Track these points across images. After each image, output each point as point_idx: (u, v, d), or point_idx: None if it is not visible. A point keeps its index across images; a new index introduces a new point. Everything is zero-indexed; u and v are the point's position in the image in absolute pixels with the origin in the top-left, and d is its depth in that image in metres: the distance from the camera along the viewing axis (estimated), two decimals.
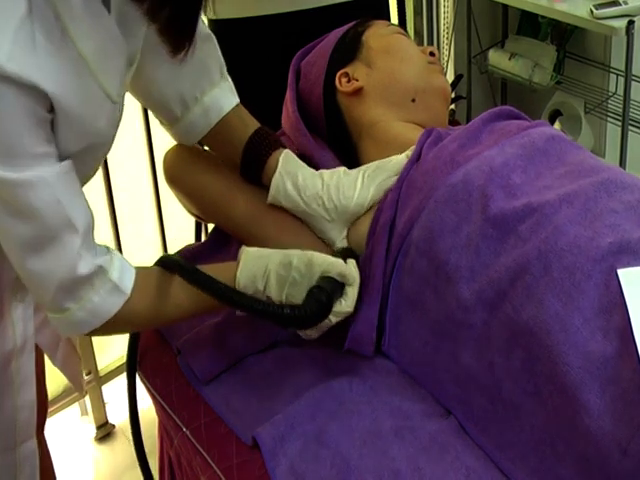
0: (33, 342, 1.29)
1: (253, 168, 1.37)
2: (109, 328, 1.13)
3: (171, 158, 1.45)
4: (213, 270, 1.17)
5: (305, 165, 1.39)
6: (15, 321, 1.25)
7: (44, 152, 1.02)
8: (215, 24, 1.92)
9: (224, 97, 1.36)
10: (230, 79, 1.39)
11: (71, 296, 1.08)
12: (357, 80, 1.51)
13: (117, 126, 1.18)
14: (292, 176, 1.34)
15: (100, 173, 2.10)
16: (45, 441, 1.58)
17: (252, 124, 1.39)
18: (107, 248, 1.15)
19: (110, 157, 2.08)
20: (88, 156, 1.11)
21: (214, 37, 1.35)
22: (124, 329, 1.26)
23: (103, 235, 2.15)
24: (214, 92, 1.34)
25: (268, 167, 1.35)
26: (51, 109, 1.01)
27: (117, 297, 1.11)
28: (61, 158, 1.05)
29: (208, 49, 1.34)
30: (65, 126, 1.03)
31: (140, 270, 1.16)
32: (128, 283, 1.12)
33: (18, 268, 1.09)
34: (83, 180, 1.17)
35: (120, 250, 2.17)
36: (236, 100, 1.38)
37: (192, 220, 1.73)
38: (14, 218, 1.03)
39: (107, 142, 1.16)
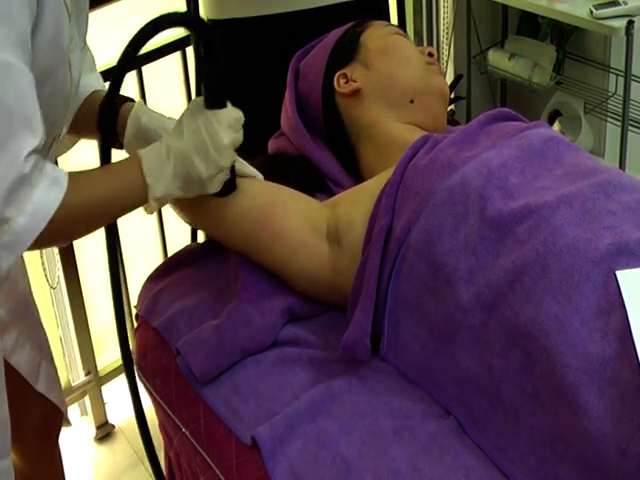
0: (1, 359, 1.27)
1: (108, 117, 1.33)
2: (48, 235, 1.06)
3: None
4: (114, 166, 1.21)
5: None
6: None
7: (26, 43, 1.02)
8: (215, 24, 1.92)
9: (92, 81, 1.37)
10: (99, 75, 1.41)
11: (13, 201, 1.02)
12: (355, 81, 1.51)
13: (71, 80, 1.18)
14: (147, 111, 1.33)
15: None
16: (59, 452, 1.59)
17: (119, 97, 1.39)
18: None
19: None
20: (43, 85, 1.09)
21: (89, 46, 1.39)
22: (64, 233, 1.18)
23: (103, 235, 2.15)
24: (85, 77, 1.34)
25: (122, 112, 1.33)
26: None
27: (56, 191, 1.06)
28: None
29: (86, 51, 1.37)
30: (47, 7, 1.04)
31: (74, 172, 1.13)
32: (62, 176, 1.08)
33: None
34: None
35: (120, 250, 2.17)
36: (103, 86, 1.39)
37: None
38: None
39: (60, 84, 1.16)
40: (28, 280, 1.49)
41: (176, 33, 2.12)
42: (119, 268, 1.40)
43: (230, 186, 1.30)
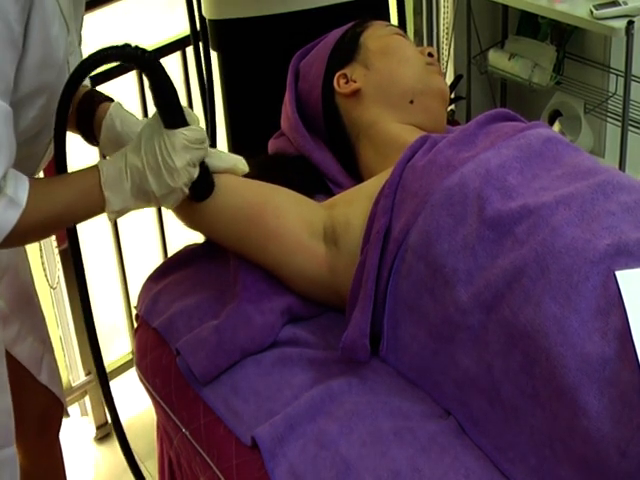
0: (3, 349, 1.29)
1: (86, 117, 1.35)
2: (6, 244, 1.13)
3: None
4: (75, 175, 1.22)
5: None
6: None
7: (4, 78, 1.04)
8: (215, 24, 1.93)
9: None
10: None
11: None
12: (355, 82, 1.51)
13: (65, 75, 1.20)
14: (122, 115, 1.34)
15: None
16: (60, 447, 1.59)
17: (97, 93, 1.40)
18: None
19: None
20: (38, 98, 1.12)
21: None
22: (22, 241, 1.26)
23: (102, 235, 2.15)
24: None
25: (98, 115, 1.35)
26: (28, 14, 1.04)
27: (13, 210, 1.10)
28: (12, 105, 1.07)
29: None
30: (35, 33, 1.06)
31: (35, 181, 1.16)
32: (22, 194, 1.11)
33: None
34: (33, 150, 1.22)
35: (120, 250, 2.17)
36: (86, 83, 1.40)
37: None
38: None
39: (57, 92, 1.18)
40: (30, 274, 1.51)
41: (176, 33, 2.13)
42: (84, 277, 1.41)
43: (204, 189, 1.31)
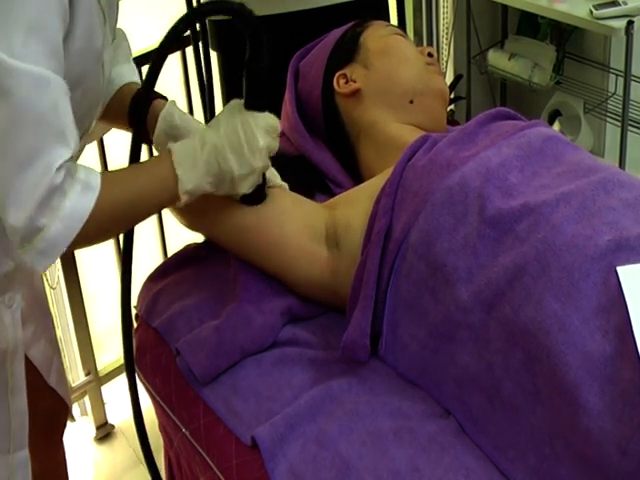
0: (23, 350, 1.30)
1: (140, 112, 1.32)
2: (84, 237, 1.08)
3: None
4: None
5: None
6: (6, 324, 1.25)
7: (60, 53, 1.03)
8: (215, 24, 1.93)
9: (128, 72, 1.37)
10: (135, 66, 1.41)
11: (47, 210, 1.04)
12: (355, 82, 1.51)
13: (103, 77, 1.20)
14: (180, 111, 1.33)
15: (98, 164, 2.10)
16: (63, 449, 1.59)
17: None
18: None
19: (110, 158, 2.08)
20: (74, 90, 1.10)
21: (125, 33, 1.40)
22: (99, 234, 1.18)
23: None
24: (118, 67, 1.36)
25: (154, 109, 1.32)
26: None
27: (88, 195, 1.07)
28: None
29: (121, 39, 1.38)
30: (80, 14, 1.06)
31: (105, 172, 1.15)
32: (96, 180, 1.09)
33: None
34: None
35: (120, 250, 2.17)
36: (137, 79, 1.39)
37: None
38: (9, 126, 1.01)
39: (93, 85, 1.17)
40: (42, 275, 1.51)
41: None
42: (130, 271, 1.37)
43: (260, 194, 1.30)
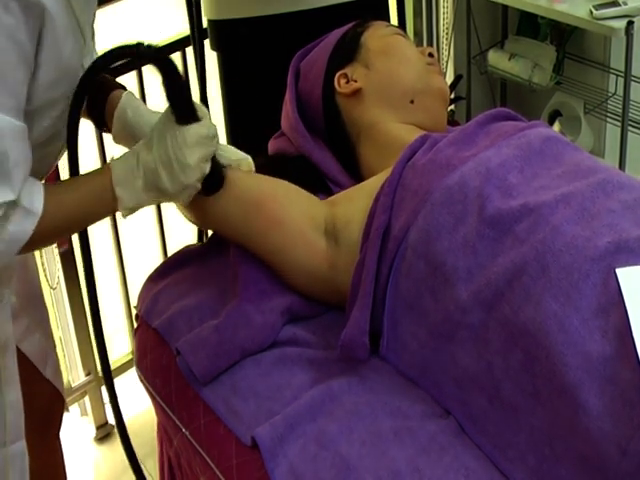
0: (14, 344, 1.31)
1: (98, 104, 1.35)
2: (27, 248, 1.15)
3: None
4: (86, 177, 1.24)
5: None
6: None
7: (16, 94, 1.05)
8: (215, 24, 1.93)
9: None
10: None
11: None
12: (356, 81, 1.51)
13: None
14: (133, 105, 1.34)
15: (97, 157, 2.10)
16: (60, 445, 1.59)
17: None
18: None
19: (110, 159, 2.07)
20: (52, 109, 1.13)
21: None
22: (38, 246, 1.30)
23: (102, 235, 2.15)
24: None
25: (110, 102, 1.34)
26: (40, 34, 1.05)
27: (30, 220, 1.12)
28: (26, 114, 1.08)
29: None
30: (47, 51, 1.07)
31: (48, 187, 1.17)
32: (38, 204, 1.13)
33: None
34: (46, 160, 1.23)
35: (120, 251, 2.17)
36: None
37: None
38: None
39: (66, 97, 1.18)
40: (37, 270, 1.51)
41: (176, 33, 2.13)
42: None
43: (215, 184, 1.31)
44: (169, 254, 2.11)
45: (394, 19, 2.12)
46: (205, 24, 1.96)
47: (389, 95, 1.49)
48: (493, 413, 1.14)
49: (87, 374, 2.20)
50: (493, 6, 2.68)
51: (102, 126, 1.38)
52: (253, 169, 1.38)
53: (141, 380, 1.44)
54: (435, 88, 1.51)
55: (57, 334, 2.14)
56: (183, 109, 1.22)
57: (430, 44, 2.63)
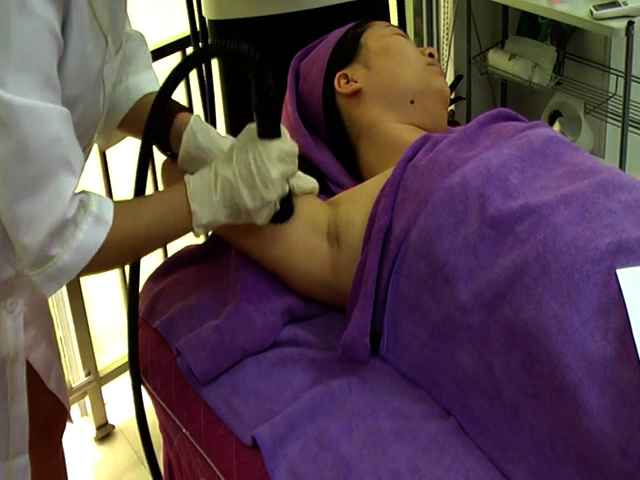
0: (24, 355, 1.29)
1: (162, 126, 1.31)
2: (95, 266, 1.11)
3: (166, 169, 1.44)
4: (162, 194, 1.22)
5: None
6: (7, 330, 1.25)
7: (55, 82, 1.03)
8: (215, 24, 1.93)
9: (147, 81, 1.36)
10: (155, 74, 1.40)
11: (58, 240, 1.06)
12: (356, 82, 1.51)
13: (103, 94, 1.19)
14: (204, 128, 1.32)
15: (100, 175, 2.10)
16: (62, 451, 1.59)
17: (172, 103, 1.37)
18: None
19: (110, 159, 2.08)
20: (72, 110, 1.10)
21: (144, 36, 1.38)
22: (110, 263, 1.22)
23: None
24: (138, 76, 1.35)
25: (177, 122, 1.32)
26: (64, 20, 1.03)
27: (100, 228, 1.09)
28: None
29: (138, 45, 1.37)
30: (74, 38, 1.05)
31: (118, 202, 1.15)
32: (108, 212, 1.10)
33: (7, 216, 1.06)
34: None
35: None
36: (157, 87, 1.36)
37: None
38: (11, 158, 1.01)
39: (92, 103, 1.17)
40: None
41: (177, 34, 2.13)
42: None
43: (286, 212, 1.30)
44: (169, 254, 2.11)
45: (394, 19, 2.12)
46: (205, 24, 1.96)
47: (389, 95, 1.49)
48: (493, 413, 1.14)
49: (87, 374, 2.20)
50: (493, 6, 2.69)
51: (165, 149, 1.35)
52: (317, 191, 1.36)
53: (141, 380, 1.44)
54: (435, 88, 1.51)
55: (57, 334, 2.14)
56: (269, 122, 1.19)
57: (430, 44, 2.63)
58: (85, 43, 1.08)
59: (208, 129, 1.32)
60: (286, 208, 1.29)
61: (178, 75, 1.20)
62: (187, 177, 1.20)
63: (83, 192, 1.10)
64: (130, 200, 1.21)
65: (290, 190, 1.27)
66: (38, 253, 1.06)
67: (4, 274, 1.21)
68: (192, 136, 1.30)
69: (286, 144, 1.21)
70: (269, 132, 1.19)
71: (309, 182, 1.37)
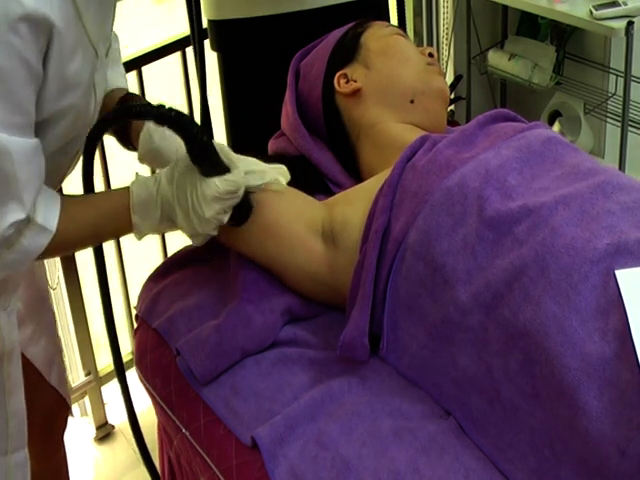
0: (19, 351, 1.30)
1: (120, 125, 1.35)
2: (38, 259, 1.17)
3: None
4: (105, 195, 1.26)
5: None
6: (1, 326, 1.25)
7: (27, 109, 1.05)
8: (215, 24, 1.93)
9: (115, 77, 1.37)
10: (123, 69, 1.40)
11: (4, 244, 1.09)
12: (356, 81, 1.51)
13: (95, 100, 1.20)
14: (160, 132, 1.32)
15: (100, 176, 2.10)
16: (64, 447, 1.59)
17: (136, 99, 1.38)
18: None
19: (110, 159, 2.08)
20: (62, 119, 1.12)
21: (116, 34, 1.38)
22: (52, 256, 1.36)
23: None
24: (110, 71, 1.34)
25: (136, 122, 1.33)
26: (46, 49, 1.04)
27: (44, 236, 1.13)
28: (37, 125, 1.08)
29: (113, 41, 1.36)
30: (53, 66, 1.05)
31: (66, 200, 1.17)
32: (53, 221, 1.14)
33: None
34: (61, 166, 1.22)
35: (120, 251, 2.17)
36: (125, 85, 1.39)
37: None
38: None
39: (83, 110, 1.17)
40: (46, 276, 1.51)
41: (176, 33, 2.13)
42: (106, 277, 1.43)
43: (242, 217, 1.30)
44: (169, 254, 2.11)
45: (394, 19, 2.12)
46: (205, 24, 1.96)
47: (389, 95, 1.49)
48: (493, 414, 1.14)
49: (87, 374, 2.20)
50: (493, 6, 2.68)
51: (127, 145, 1.37)
52: (287, 180, 1.33)
53: (141, 380, 1.44)
54: (435, 88, 1.51)
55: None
56: (205, 164, 1.20)
57: (430, 44, 2.63)
58: (67, 63, 1.09)
59: (164, 130, 1.33)
60: (241, 214, 1.29)
61: (91, 138, 1.24)
62: (132, 185, 1.22)
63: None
64: (73, 201, 1.22)
65: (246, 197, 1.26)
66: None
67: None
68: (148, 137, 1.33)
69: (223, 183, 1.20)
70: (208, 171, 1.20)
71: (267, 177, 1.30)
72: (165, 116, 1.17)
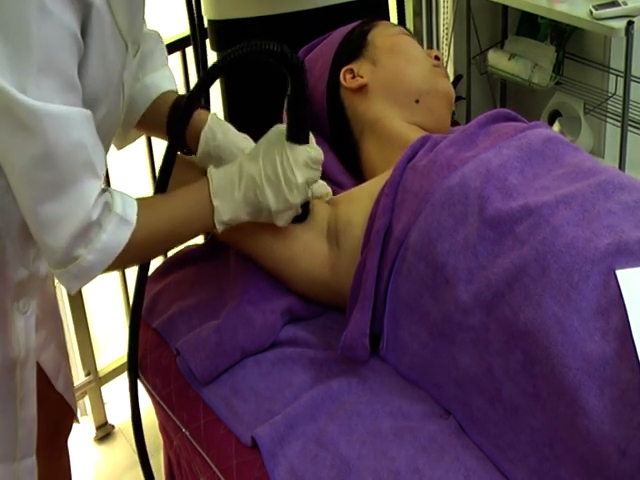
0: (34, 357, 1.29)
1: (179, 121, 1.29)
2: (118, 263, 1.12)
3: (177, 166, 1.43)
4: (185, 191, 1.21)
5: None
6: (18, 331, 1.24)
7: (76, 84, 1.03)
8: (215, 24, 1.93)
9: (164, 79, 1.37)
10: (171, 72, 1.40)
11: (82, 241, 1.07)
12: (362, 77, 1.51)
13: (123, 98, 1.18)
14: (223, 127, 1.32)
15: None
16: (67, 451, 1.59)
17: None
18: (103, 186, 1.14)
19: (110, 159, 2.07)
20: (96, 114, 1.10)
21: (160, 35, 1.38)
22: (133, 261, 1.25)
23: None
24: (155, 74, 1.35)
25: (194, 120, 1.30)
26: (85, 24, 1.03)
27: (124, 229, 1.10)
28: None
29: (155, 43, 1.37)
30: (95, 41, 1.05)
31: (141, 199, 1.16)
32: (132, 213, 1.11)
33: (31, 218, 1.07)
34: None
35: None
36: (175, 87, 1.38)
37: None
38: (35, 163, 1.02)
39: (113, 106, 1.16)
40: (53, 281, 1.50)
41: (176, 33, 2.13)
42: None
43: (303, 215, 1.31)
44: (169, 254, 2.11)
45: (394, 19, 2.12)
46: (205, 24, 1.96)
47: (395, 92, 1.49)
48: (493, 414, 1.14)
49: (87, 374, 2.20)
50: (493, 6, 2.69)
51: (182, 147, 1.35)
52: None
53: (141, 381, 1.44)
54: (441, 90, 1.51)
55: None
56: (300, 127, 1.20)
57: (430, 44, 2.63)
58: (106, 47, 1.09)
59: (227, 128, 1.33)
60: (304, 212, 1.30)
61: (209, 77, 1.20)
62: (210, 172, 1.21)
63: (107, 190, 1.11)
64: (153, 197, 1.22)
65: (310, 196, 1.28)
66: (62, 253, 1.07)
67: (18, 276, 1.21)
68: (211, 135, 1.31)
69: (313, 150, 1.22)
70: (298, 137, 1.20)
71: (324, 187, 1.38)
72: (290, 59, 1.14)
